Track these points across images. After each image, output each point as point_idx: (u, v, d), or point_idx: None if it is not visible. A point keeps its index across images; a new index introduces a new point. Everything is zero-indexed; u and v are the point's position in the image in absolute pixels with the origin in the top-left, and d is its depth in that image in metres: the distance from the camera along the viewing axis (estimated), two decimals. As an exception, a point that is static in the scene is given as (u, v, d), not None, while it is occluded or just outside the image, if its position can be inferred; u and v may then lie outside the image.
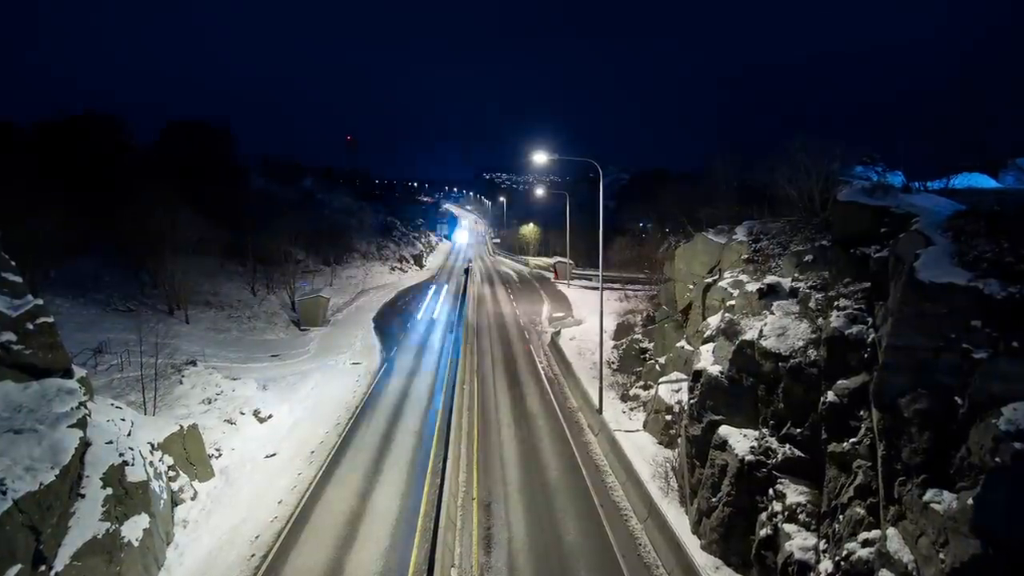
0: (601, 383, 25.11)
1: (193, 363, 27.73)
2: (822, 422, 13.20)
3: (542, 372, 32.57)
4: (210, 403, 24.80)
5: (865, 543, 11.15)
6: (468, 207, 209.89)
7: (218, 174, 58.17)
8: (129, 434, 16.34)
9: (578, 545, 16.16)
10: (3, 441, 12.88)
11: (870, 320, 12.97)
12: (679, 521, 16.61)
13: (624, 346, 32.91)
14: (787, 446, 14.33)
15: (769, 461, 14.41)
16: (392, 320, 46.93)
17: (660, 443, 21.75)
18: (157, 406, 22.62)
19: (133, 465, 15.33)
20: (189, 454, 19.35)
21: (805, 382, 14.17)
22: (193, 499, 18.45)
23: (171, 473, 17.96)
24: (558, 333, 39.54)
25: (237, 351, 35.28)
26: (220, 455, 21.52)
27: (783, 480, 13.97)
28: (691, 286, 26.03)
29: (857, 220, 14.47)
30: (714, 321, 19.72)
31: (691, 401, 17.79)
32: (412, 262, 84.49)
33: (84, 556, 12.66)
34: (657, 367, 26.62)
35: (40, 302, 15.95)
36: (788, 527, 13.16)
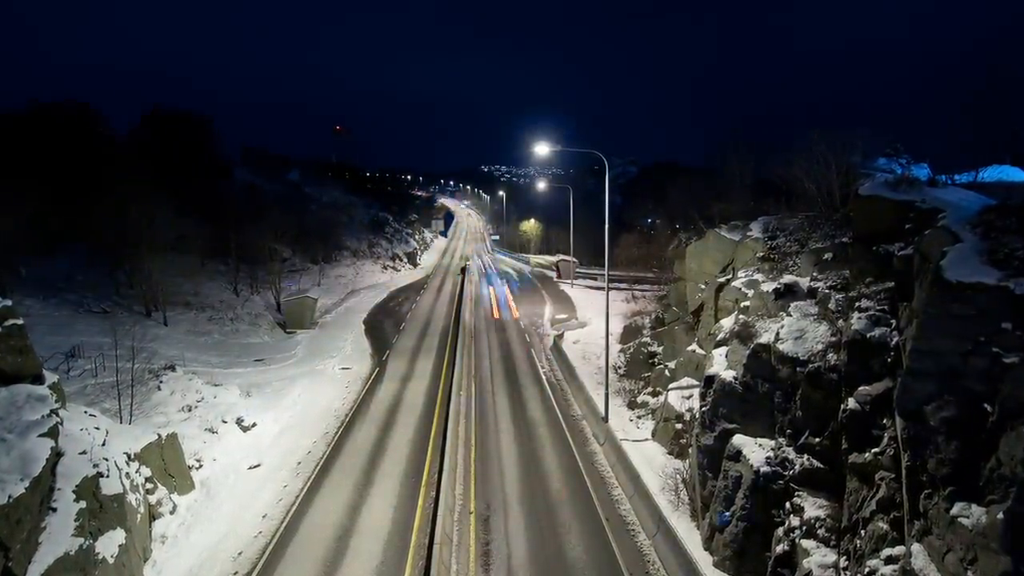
0: (607, 389, 25.11)
1: (172, 368, 27.70)
2: (842, 431, 13.19)
3: (544, 377, 32.57)
4: (190, 410, 24.79)
5: (888, 560, 11.14)
6: (465, 202, 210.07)
7: (199, 167, 58.26)
8: (104, 444, 16.30)
9: (582, 562, 16.15)
10: (-31, 451, 12.86)
11: (894, 322, 12.96)
12: (690, 536, 16.60)
13: (631, 350, 32.90)
14: (805, 456, 14.32)
15: (786, 472, 14.40)
16: (384, 322, 46.93)
17: (670, 453, 21.74)
18: (134, 414, 22.58)
19: (108, 477, 15.30)
20: (168, 465, 19.33)
21: (824, 388, 14.16)
22: (172, 513, 18.43)
23: (149, 485, 17.95)
24: (561, 336, 39.57)
25: (219, 355, 35.27)
26: (201, 466, 21.51)
27: (801, 493, 13.95)
28: (703, 286, 26.04)
29: (880, 216, 14.45)
30: (727, 323, 19.71)
31: (703, 409, 17.78)
32: (406, 260, 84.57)
33: (56, 573, 12.61)
34: (666, 372, 26.62)
35: (8, 303, 15.93)
36: (806, 543, 13.14)
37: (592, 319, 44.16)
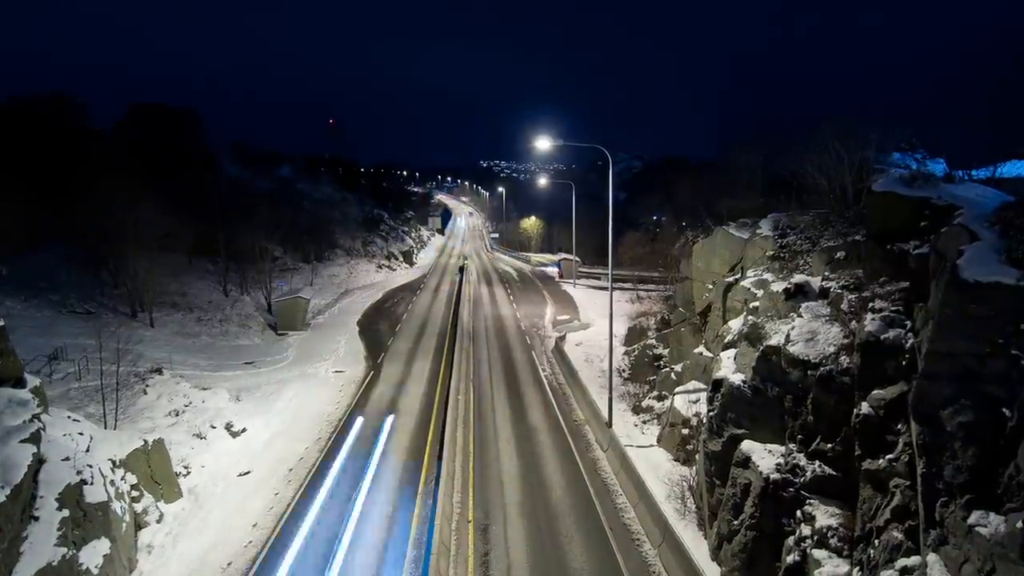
0: (611, 393, 25.12)
1: (159, 371, 27.71)
2: (855, 437, 13.18)
3: (545, 381, 32.59)
4: (177, 415, 24.79)
5: (903, 571, 11.13)
6: (463, 198, 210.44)
7: (186, 162, 58.28)
8: (88, 450, 16.32)
9: (585, 573, 16.16)
10: (-52, 457, 12.87)
11: (908, 324, 12.95)
12: (697, 546, 16.60)
13: (636, 352, 32.91)
14: (816, 463, 14.31)
15: (797, 480, 14.40)
16: (379, 323, 46.96)
17: (676, 460, 21.75)
18: (119, 419, 22.59)
19: (92, 484, 15.31)
20: (154, 472, 19.33)
21: (837, 392, 14.16)
22: (159, 522, 18.43)
23: (134, 493, 17.96)
24: (563, 338, 39.59)
25: (207, 358, 35.26)
26: (188, 473, 21.51)
27: (812, 501, 13.95)
28: (710, 286, 26.05)
29: (894, 213, 14.46)
30: (736, 324, 19.72)
31: (710, 413, 17.78)
32: (401, 259, 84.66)
33: (38, 585, 12.63)
34: (673, 375, 26.63)
35: (-11, 303, 15.96)
36: (818, 553, 13.14)
37: (595, 320, 44.22)
